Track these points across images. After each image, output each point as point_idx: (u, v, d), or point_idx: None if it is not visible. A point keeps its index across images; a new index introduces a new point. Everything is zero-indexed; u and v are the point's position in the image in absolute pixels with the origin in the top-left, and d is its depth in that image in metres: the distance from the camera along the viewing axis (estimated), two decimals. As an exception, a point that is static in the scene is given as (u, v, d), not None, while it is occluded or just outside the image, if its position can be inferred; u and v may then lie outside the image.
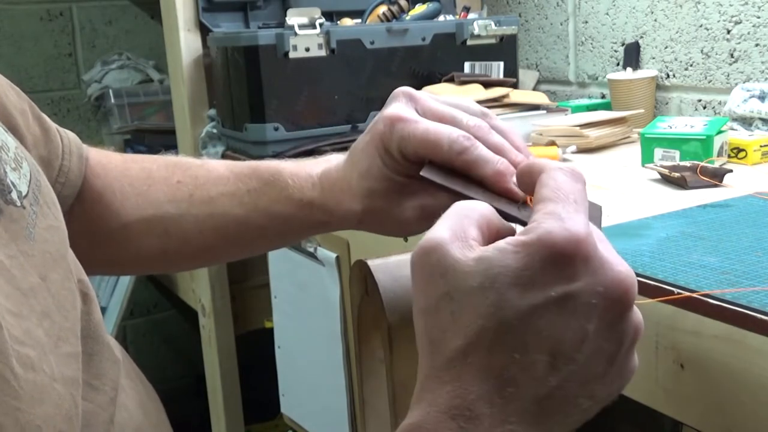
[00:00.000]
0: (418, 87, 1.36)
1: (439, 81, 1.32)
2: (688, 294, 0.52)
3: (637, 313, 0.38)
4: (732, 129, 1.03)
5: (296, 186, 0.60)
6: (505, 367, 0.35)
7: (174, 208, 0.62)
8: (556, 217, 0.36)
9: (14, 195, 0.42)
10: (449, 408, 0.35)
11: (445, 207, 0.41)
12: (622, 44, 1.37)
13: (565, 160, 1.03)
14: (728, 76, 1.20)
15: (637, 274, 0.56)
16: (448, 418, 0.35)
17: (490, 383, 0.35)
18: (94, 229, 0.63)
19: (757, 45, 1.15)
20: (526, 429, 0.36)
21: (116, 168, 0.65)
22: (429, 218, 0.54)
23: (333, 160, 0.60)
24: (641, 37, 1.34)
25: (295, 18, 1.24)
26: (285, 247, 1.19)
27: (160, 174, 0.64)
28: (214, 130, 1.41)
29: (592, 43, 1.45)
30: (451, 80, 1.29)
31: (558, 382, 0.36)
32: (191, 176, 0.63)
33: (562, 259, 0.35)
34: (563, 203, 0.37)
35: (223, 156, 1.37)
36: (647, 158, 0.96)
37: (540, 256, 0.35)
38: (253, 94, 1.23)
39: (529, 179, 0.42)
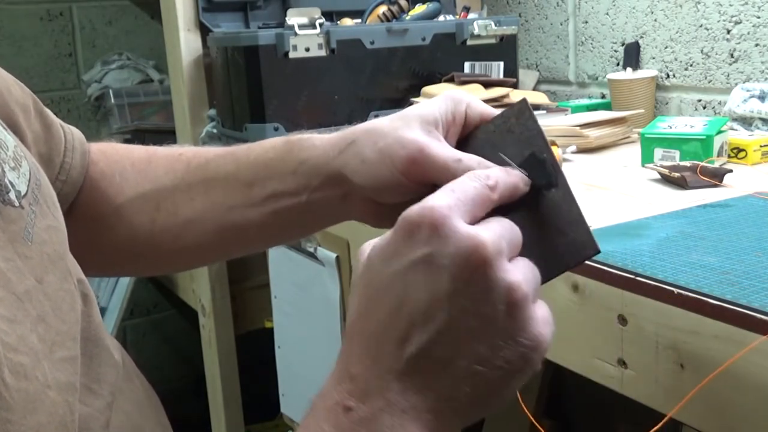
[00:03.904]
0: (418, 87, 1.38)
1: (439, 81, 1.32)
2: (690, 294, 0.52)
3: (508, 274, 0.39)
4: (732, 129, 1.03)
5: (295, 134, 0.59)
6: (373, 331, 0.40)
7: (170, 179, 0.62)
8: (422, 201, 0.40)
9: (12, 195, 0.42)
10: (338, 376, 0.41)
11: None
12: (622, 44, 1.37)
13: (565, 160, 1.03)
14: (728, 76, 1.20)
15: (637, 274, 0.56)
16: (335, 383, 0.41)
17: (362, 344, 0.41)
18: (89, 219, 0.62)
19: (757, 45, 1.15)
20: (404, 387, 0.39)
21: (118, 152, 0.65)
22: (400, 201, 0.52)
23: None
24: (641, 37, 1.34)
25: (295, 18, 1.24)
26: (278, 242, 1.15)
27: (164, 151, 0.64)
28: (214, 130, 1.41)
29: (592, 43, 1.45)
30: (451, 80, 1.29)
31: (425, 341, 0.39)
32: (195, 149, 0.64)
33: (415, 228, 0.40)
34: (439, 191, 0.41)
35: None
36: (647, 158, 0.96)
37: (400, 231, 0.40)
38: (253, 94, 1.23)
39: None
